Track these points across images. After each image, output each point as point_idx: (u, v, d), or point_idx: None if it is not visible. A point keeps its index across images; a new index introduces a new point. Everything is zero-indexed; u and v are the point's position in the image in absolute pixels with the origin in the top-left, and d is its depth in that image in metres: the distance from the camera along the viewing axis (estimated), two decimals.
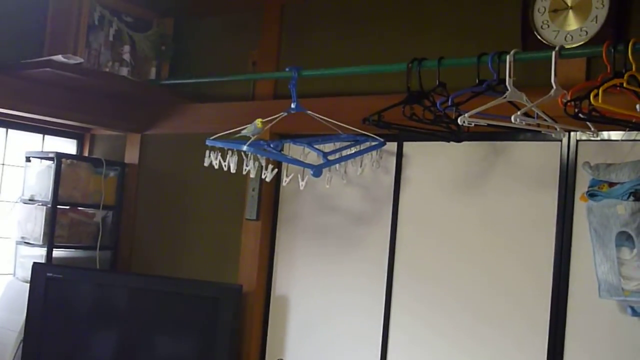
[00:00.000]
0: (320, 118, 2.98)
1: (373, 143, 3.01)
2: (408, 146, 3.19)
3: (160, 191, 4.12)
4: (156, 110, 4.08)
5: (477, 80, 2.49)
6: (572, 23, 2.75)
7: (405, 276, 3.13)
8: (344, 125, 2.99)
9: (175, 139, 4.06)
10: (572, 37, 2.74)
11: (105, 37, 3.68)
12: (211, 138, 3.00)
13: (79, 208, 4.04)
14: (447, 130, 2.67)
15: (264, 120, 2.85)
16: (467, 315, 2.94)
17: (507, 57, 2.40)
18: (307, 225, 3.51)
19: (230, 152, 3.05)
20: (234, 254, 3.67)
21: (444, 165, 3.09)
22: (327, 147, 3.16)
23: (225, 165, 2.99)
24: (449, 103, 2.36)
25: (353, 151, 3.03)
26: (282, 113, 2.97)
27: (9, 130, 4.15)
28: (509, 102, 2.43)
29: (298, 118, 3.09)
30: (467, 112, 2.31)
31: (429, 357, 3.02)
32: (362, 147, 3.05)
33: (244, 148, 2.77)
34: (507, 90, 2.36)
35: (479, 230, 2.95)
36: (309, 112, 3.00)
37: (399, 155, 3.19)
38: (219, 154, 3.04)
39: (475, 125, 2.32)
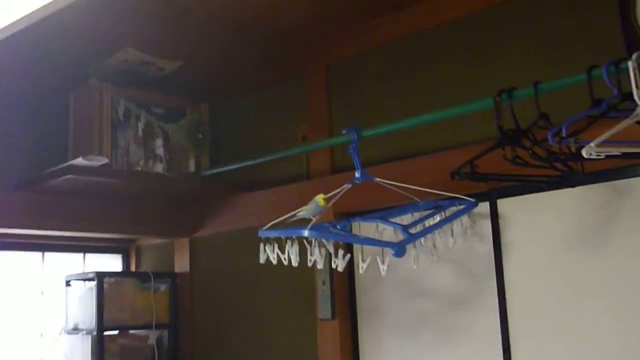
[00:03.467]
0: (391, 184, 2.42)
1: (461, 206, 2.43)
2: (503, 203, 2.58)
3: (218, 300, 3.57)
4: (202, 207, 3.59)
5: (591, 102, 1.89)
6: None
7: None
8: (422, 189, 2.41)
9: (227, 237, 3.54)
10: None
11: (133, 133, 3.24)
12: (264, 228, 2.46)
13: (130, 332, 3.52)
14: (557, 174, 2.08)
15: (326, 196, 2.30)
16: None
17: (630, 63, 1.80)
18: (395, 317, 2.88)
19: (289, 242, 2.50)
20: None
21: (551, 221, 2.46)
22: (405, 219, 2.58)
23: (285, 259, 2.43)
24: (563, 134, 1.77)
25: (438, 219, 2.44)
26: (345, 185, 2.42)
27: (46, 253, 3.71)
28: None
29: (364, 190, 2.56)
30: (587, 142, 1.72)
31: None
32: (448, 212, 2.46)
33: (305, 233, 2.22)
34: (639, 105, 1.76)
35: (608, 301, 2.28)
36: (377, 179, 2.44)
37: (494, 216, 2.58)
38: (276, 245, 2.49)
39: (600, 157, 1.72)
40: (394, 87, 2.97)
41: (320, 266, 2.52)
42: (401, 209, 2.67)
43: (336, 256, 2.44)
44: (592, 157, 1.68)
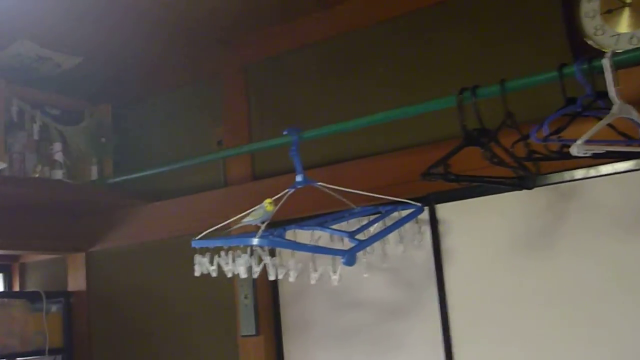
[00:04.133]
0: (334, 189, 2.28)
1: (403, 212, 2.33)
2: (442, 208, 2.50)
3: (120, 321, 3.26)
4: (101, 218, 3.28)
5: (564, 100, 1.84)
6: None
7: None
8: (365, 194, 2.29)
9: (130, 251, 3.25)
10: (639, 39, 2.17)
11: (28, 137, 2.89)
12: (197, 238, 2.24)
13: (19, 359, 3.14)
14: (511, 176, 2.03)
15: (272, 199, 2.12)
16: None
17: (605, 61, 1.77)
18: (323, 330, 2.73)
19: (223, 253, 2.29)
20: None
21: (495, 224, 2.41)
22: (344, 227, 2.45)
23: (230, 271, 2.21)
24: (545, 132, 1.70)
25: (379, 226, 2.32)
26: (287, 190, 2.25)
27: None
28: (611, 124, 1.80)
29: (297, 197, 2.38)
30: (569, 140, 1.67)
31: None
32: (389, 220, 2.36)
33: (255, 242, 2.01)
34: (615, 103, 1.72)
35: (555, 305, 2.26)
36: (319, 183, 2.29)
37: (433, 221, 2.50)
38: (209, 257, 2.27)
39: (587, 155, 1.67)
40: (320, 89, 2.83)
41: (243, 275, 2.27)
42: (336, 216, 2.54)
43: (273, 267, 2.24)
44: (579, 155, 1.62)
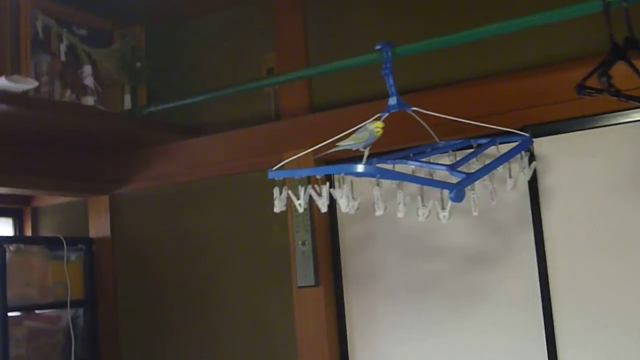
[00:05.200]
0: (435, 116, 1.95)
1: (512, 143, 2.02)
2: (541, 143, 2.19)
3: (149, 272, 2.93)
4: (129, 157, 2.92)
5: None
6: None
7: (574, 337, 2.11)
8: (469, 122, 1.97)
9: (162, 194, 2.91)
10: None
11: (53, 59, 2.52)
12: (274, 169, 1.90)
13: (37, 312, 2.80)
14: None
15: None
16: None
17: None
18: (393, 282, 2.43)
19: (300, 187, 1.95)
20: (286, 342, 2.55)
21: (600, 162, 2.12)
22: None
23: (323, 205, 1.86)
24: None
25: (487, 160, 2.01)
26: (381, 113, 1.92)
27: None
28: None
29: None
30: None
31: None
32: (483, 156, 2.05)
33: (361, 169, 1.67)
34: None
35: None
36: (414, 108, 1.96)
37: (530, 158, 2.19)
38: (288, 191, 1.93)
39: None
40: (390, 8, 2.49)
41: (301, 210, 1.93)
42: (416, 151, 2.23)
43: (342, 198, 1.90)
44: None
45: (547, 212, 2.18)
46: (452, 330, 2.31)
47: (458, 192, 1.79)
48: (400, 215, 1.78)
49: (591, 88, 1.59)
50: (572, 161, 2.16)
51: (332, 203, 1.93)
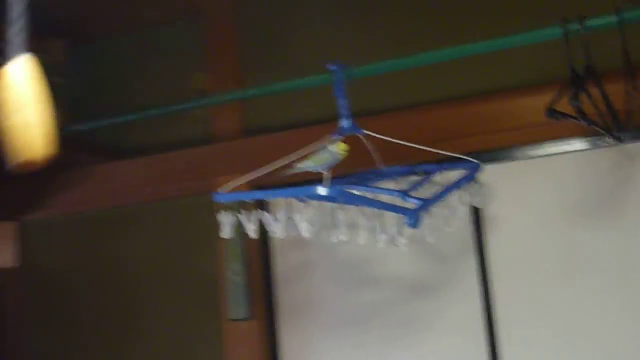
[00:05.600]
0: (386, 140, 1.87)
1: (456, 170, 1.97)
2: (485, 170, 2.15)
3: (63, 306, 2.70)
4: (41, 180, 2.69)
5: None
6: None
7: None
8: (418, 147, 1.91)
9: (79, 220, 2.71)
10: None
11: None
12: (221, 191, 1.77)
13: None
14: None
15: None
16: None
17: None
18: (330, 315, 2.33)
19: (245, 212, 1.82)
20: None
21: (544, 190, 2.11)
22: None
23: (280, 230, 1.73)
24: None
25: (434, 186, 1.95)
26: (333, 137, 1.82)
27: None
28: None
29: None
30: None
31: None
32: (433, 178, 1.99)
33: (323, 192, 1.55)
34: None
35: (612, 281, 2.01)
36: (367, 132, 1.88)
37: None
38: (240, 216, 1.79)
39: None
40: (331, 27, 2.43)
41: (227, 237, 1.78)
42: (360, 177, 2.14)
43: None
44: None
45: (491, 238, 2.15)
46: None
47: (413, 218, 1.71)
48: (361, 241, 1.68)
49: (560, 112, 1.56)
50: (516, 188, 2.15)
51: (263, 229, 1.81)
